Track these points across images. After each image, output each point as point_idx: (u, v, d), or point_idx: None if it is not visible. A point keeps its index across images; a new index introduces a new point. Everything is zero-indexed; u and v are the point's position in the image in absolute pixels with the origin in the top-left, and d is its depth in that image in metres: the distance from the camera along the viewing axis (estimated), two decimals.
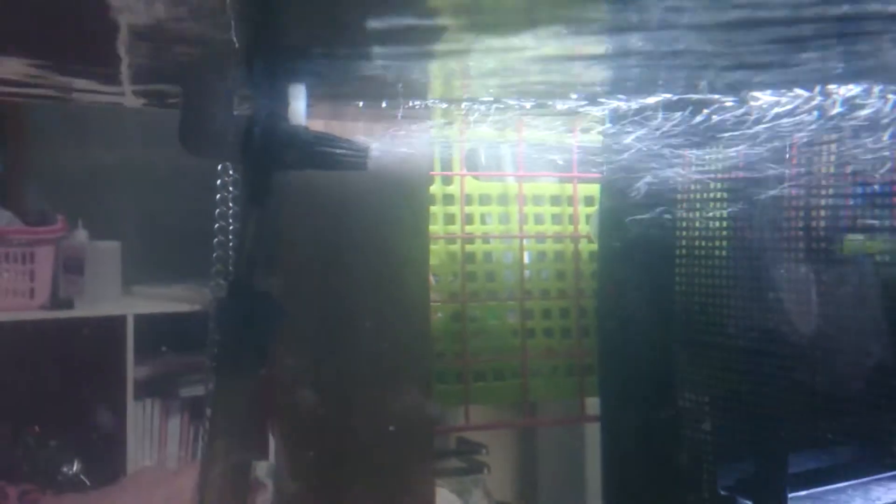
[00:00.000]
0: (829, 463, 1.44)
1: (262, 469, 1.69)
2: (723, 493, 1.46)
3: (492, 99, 1.49)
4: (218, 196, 1.55)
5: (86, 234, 2.60)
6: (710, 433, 1.52)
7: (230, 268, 1.45)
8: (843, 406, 1.33)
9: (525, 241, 1.71)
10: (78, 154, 2.64)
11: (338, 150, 1.32)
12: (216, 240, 1.65)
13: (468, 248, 1.66)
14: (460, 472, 2.03)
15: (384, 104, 1.47)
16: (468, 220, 1.67)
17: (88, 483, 2.53)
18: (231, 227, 1.50)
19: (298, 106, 1.34)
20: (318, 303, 1.51)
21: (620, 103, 1.47)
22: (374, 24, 1.07)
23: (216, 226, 1.60)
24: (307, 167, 1.32)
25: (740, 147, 1.39)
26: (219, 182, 1.53)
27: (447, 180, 1.66)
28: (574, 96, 1.46)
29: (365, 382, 1.54)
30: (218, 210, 1.58)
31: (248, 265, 1.34)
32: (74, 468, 2.53)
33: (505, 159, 1.73)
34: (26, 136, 2.68)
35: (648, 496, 1.59)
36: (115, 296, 2.66)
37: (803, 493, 1.40)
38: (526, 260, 1.72)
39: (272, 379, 1.53)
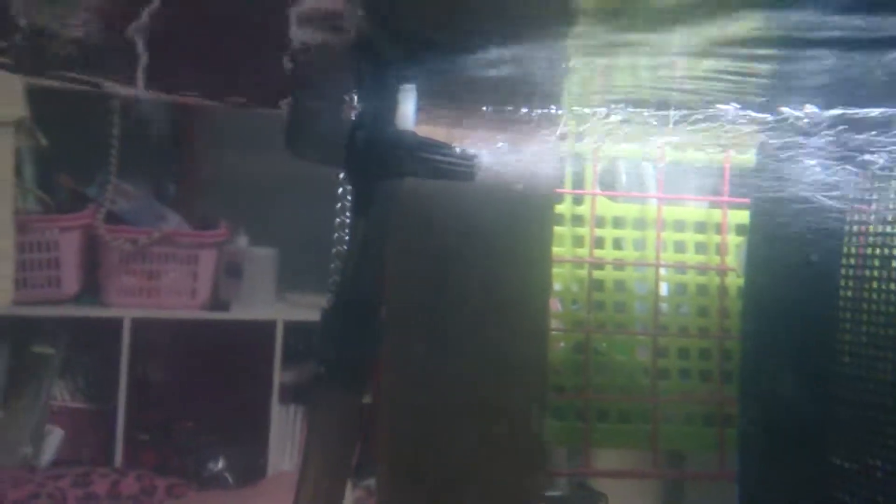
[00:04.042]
0: None
1: (360, 491, 1.55)
2: None
3: (632, 109, 1.29)
4: (338, 205, 1.44)
5: (246, 240, 2.60)
6: None
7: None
8: None
9: (663, 271, 1.47)
10: (243, 162, 2.65)
11: (444, 159, 1.17)
12: (334, 250, 1.54)
13: (597, 274, 1.45)
14: None
15: (508, 111, 1.30)
16: (599, 243, 1.46)
17: (231, 481, 2.51)
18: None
19: (407, 109, 1.20)
20: (426, 322, 1.36)
21: (781, 118, 1.22)
22: (498, 18, 0.92)
23: (335, 235, 1.50)
24: (411, 175, 1.17)
25: None
26: (339, 190, 1.42)
27: (578, 199, 1.46)
28: (728, 107, 1.23)
29: (471, 410, 1.36)
30: (337, 219, 1.47)
31: (352, 278, 1.21)
32: (219, 466, 2.52)
33: (644, 179, 1.51)
34: (199, 143, 2.73)
35: None
36: (269, 301, 2.64)
37: None
38: (663, 292, 1.49)
39: (375, 399, 1.40)
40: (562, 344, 1.46)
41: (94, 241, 2.51)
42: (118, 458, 2.48)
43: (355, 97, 1.20)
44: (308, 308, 2.62)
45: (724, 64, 1.00)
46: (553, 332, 1.42)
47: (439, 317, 1.36)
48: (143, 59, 1.20)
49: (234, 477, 2.51)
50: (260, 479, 2.49)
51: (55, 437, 2.52)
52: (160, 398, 2.58)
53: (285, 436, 2.58)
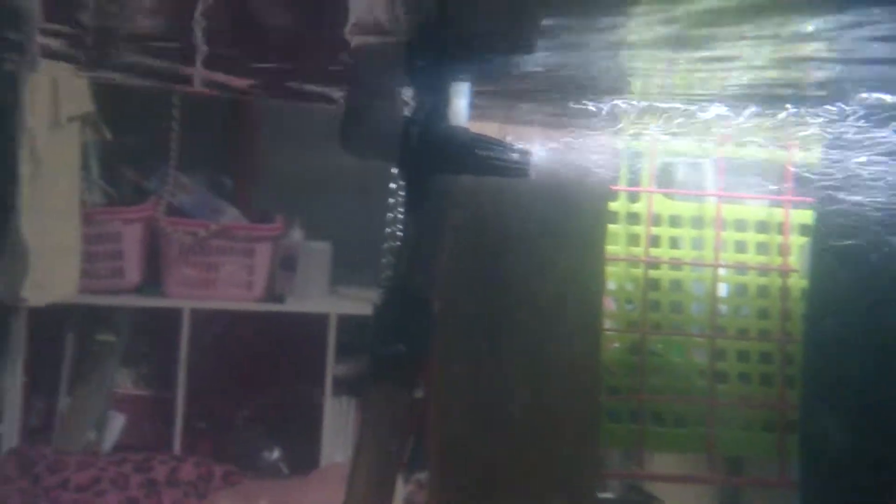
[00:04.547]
0: None
1: (412, 486, 1.54)
2: None
3: (692, 105, 1.24)
4: (391, 200, 1.43)
5: (301, 234, 2.61)
6: None
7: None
8: None
9: (722, 271, 1.43)
10: (298, 157, 2.66)
11: (497, 155, 1.14)
12: (386, 245, 1.53)
13: (653, 273, 1.41)
14: None
15: (563, 106, 1.27)
16: (655, 242, 1.42)
17: (285, 471, 2.53)
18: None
19: (460, 106, 1.17)
20: (478, 319, 1.34)
21: (848, 112, 1.17)
22: (555, 12, 0.89)
23: (387, 231, 1.48)
24: (464, 172, 1.15)
25: None
26: (392, 185, 1.41)
27: (633, 196, 1.42)
28: (790, 106, 1.18)
29: (523, 408, 1.34)
30: (390, 214, 1.45)
31: (406, 273, 1.20)
32: (274, 455, 2.54)
33: (703, 177, 1.46)
34: (256, 138, 2.75)
35: None
36: (322, 294, 2.64)
37: None
38: (722, 292, 1.44)
39: (428, 394, 1.38)
40: (616, 344, 1.42)
41: (156, 233, 2.55)
42: (177, 444, 2.52)
43: (409, 94, 1.18)
44: (361, 302, 2.63)
45: (788, 56, 0.96)
46: (607, 332, 1.39)
47: (492, 314, 1.34)
48: (202, 54, 1.20)
49: (288, 466, 2.53)
50: (313, 470, 2.51)
51: (118, 423, 2.57)
52: (217, 387, 2.61)
53: (338, 428, 2.59)
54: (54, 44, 1.35)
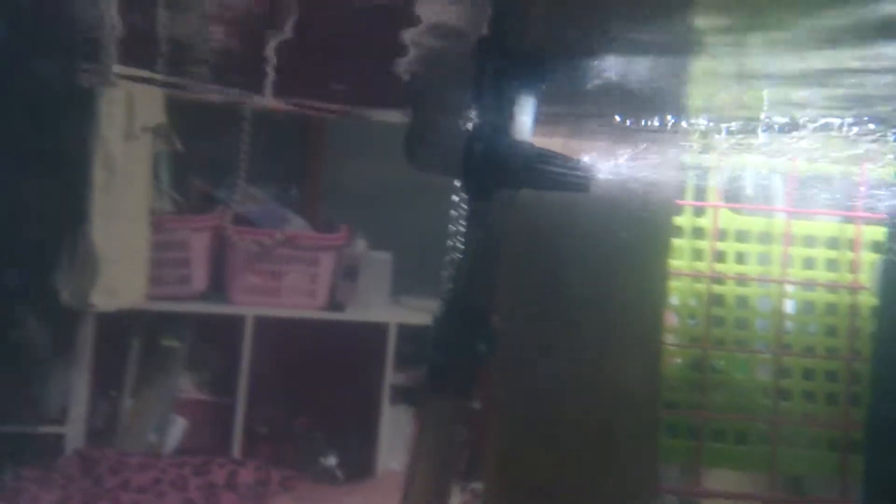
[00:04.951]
0: None
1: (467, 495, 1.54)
2: None
3: (761, 120, 1.24)
4: (453, 212, 1.45)
5: (364, 244, 2.65)
6: None
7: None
8: None
9: (789, 288, 1.41)
10: (362, 169, 2.70)
11: (560, 170, 1.15)
12: (448, 258, 1.55)
13: (717, 289, 1.40)
14: None
15: (629, 122, 1.28)
16: (720, 257, 1.41)
17: (341, 477, 2.56)
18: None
19: (525, 120, 1.19)
20: (538, 332, 1.34)
21: None
22: (622, 27, 0.90)
23: (448, 244, 1.50)
24: (527, 186, 1.17)
25: None
26: (454, 198, 1.43)
27: (699, 211, 1.41)
28: (866, 119, 1.17)
29: (580, 420, 1.34)
30: (451, 227, 1.47)
31: (466, 285, 1.21)
32: (331, 461, 2.57)
33: (772, 192, 1.45)
34: (321, 150, 2.80)
35: None
36: (383, 304, 2.67)
37: None
38: (789, 309, 1.42)
39: (485, 405, 1.39)
40: (678, 359, 1.41)
41: (222, 242, 2.60)
42: (236, 449, 2.57)
43: (473, 108, 1.20)
44: (421, 312, 2.65)
45: (856, 75, 0.95)
46: (668, 347, 1.38)
47: (551, 327, 1.35)
48: (272, 69, 1.24)
49: (345, 473, 2.56)
50: (369, 477, 2.53)
51: (179, 426, 2.62)
52: (278, 393, 2.65)
53: (395, 436, 2.60)
54: (131, 58, 1.40)
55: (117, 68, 2.34)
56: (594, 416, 1.34)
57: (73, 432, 2.46)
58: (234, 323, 2.58)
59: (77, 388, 2.46)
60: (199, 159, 2.63)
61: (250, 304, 2.57)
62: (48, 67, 2.29)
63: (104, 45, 2.37)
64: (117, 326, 2.51)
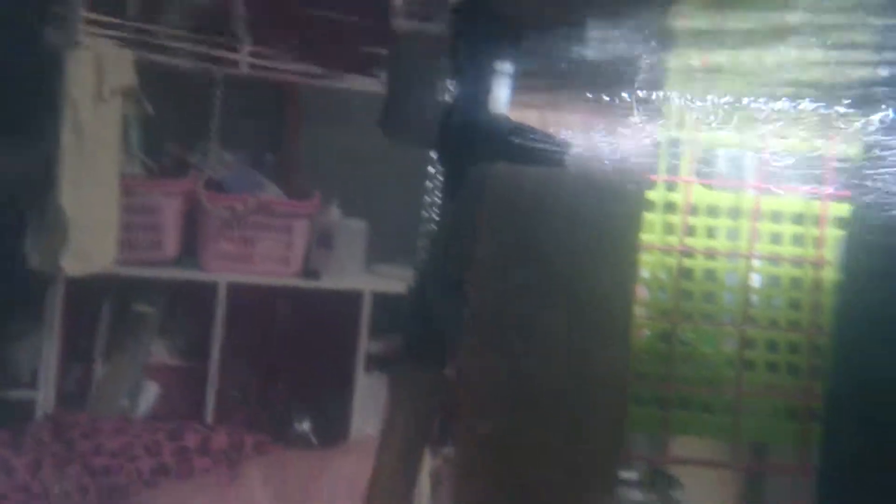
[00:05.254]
0: None
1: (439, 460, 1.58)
2: None
3: (734, 96, 1.26)
4: (429, 184, 1.46)
5: (338, 212, 2.65)
6: None
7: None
8: None
9: (756, 262, 1.45)
10: (338, 135, 2.69)
11: (535, 144, 1.17)
12: (422, 229, 1.56)
13: (686, 262, 1.44)
14: None
15: (604, 96, 1.29)
16: (690, 232, 1.44)
17: (315, 442, 2.59)
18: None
19: (501, 94, 1.20)
20: (510, 302, 1.37)
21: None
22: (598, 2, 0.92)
23: (423, 214, 1.51)
24: (502, 159, 1.18)
25: None
26: (430, 169, 1.44)
27: (671, 186, 1.44)
28: (835, 100, 1.19)
29: (551, 388, 1.37)
30: (427, 198, 1.48)
31: (440, 255, 1.23)
32: (305, 426, 2.60)
33: (743, 168, 1.48)
34: (297, 116, 2.78)
35: None
36: (358, 272, 2.68)
37: None
38: (755, 283, 1.46)
39: (457, 376, 1.42)
40: (646, 331, 1.45)
41: (195, 207, 2.59)
42: (209, 414, 2.58)
43: (450, 81, 1.21)
44: (395, 280, 2.67)
45: (831, 53, 0.97)
46: (638, 320, 1.41)
47: (524, 298, 1.37)
48: (246, 33, 1.24)
49: (319, 438, 2.59)
50: (342, 442, 2.56)
51: (151, 392, 2.63)
52: (252, 360, 2.67)
53: (369, 402, 2.63)
54: (98, 18, 1.39)
55: (85, 28, 2.31)
56: (565, 386, 1.37)
57: (44, 397, 2.46)
58: (207, 289, 2.58)
59: (47, 353, 2.46)
60: (171, 123, 2.61)
61: (223, 270, 2.57)
62: (14, 28, 2.25)
63: (71, 3, 2.33)
64: (88, 291, 2.50)
